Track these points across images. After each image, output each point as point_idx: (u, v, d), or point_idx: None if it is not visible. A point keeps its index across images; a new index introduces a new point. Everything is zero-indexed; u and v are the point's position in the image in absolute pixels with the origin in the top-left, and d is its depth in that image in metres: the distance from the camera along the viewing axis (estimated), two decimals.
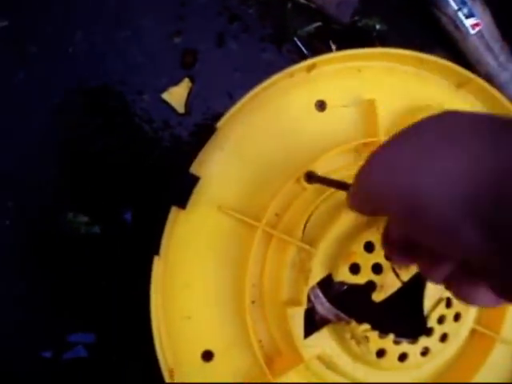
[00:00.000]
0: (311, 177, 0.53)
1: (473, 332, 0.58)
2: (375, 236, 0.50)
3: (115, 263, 0.65)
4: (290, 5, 0.67)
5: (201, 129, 0.65)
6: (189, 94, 0.65)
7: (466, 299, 0.31)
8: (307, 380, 0.54)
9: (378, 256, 0.50)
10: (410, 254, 0.35)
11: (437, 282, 0.33)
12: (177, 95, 0.65)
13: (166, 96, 0.65)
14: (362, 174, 0.30)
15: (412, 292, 0.52)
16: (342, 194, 0.52)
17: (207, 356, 0.53)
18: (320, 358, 0.53)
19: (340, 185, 0.45)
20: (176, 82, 0.65)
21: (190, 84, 0.65)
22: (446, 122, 0.26)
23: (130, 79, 0.65)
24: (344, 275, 0.50)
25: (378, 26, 0.70)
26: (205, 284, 0.53)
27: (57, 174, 0.63)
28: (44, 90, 0.63)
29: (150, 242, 0.51)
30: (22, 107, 0.63)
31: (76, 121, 0.64)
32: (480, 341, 0.59)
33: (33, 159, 0.63)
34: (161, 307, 0.52)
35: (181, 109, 0.65)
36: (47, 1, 0.63)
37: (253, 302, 0.54)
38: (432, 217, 0.25)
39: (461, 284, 0.31)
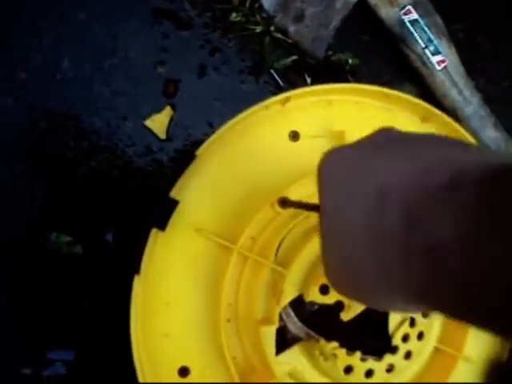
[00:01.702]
0: (285, 202, 0.56)
1: (436, 350, 0.62)
2: None
3: (96, 282, 0.67)
4: (267, 39, 0.71)
5: (181, 155, 0.68)
6: (170, 122, 0.69)
7: None
8: None
9: None
10: None
11: None
12: (159, 122, 0.68)
13: (148, 123, 0.68)
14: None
15: (377, 312, 0.56)
16: (313, 219, 0.56)
17: (184, 372, 0.56)
18: (291, 375, 0.56)
19: (312, 207, 0.48)
20: (158, 109, 0.69)
21: (171, 112, 0.68)
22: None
23: (115, 105, 0.68)
24: (314, 295, 0.53)
25: (350, 61, 0.74)
26: (183, 303, 0.56)
27: (41, 195, 0.65)
28: (32, 114, 0.66)
29: (130, 262, 0.54)
30: (11, 131, 0.65)
31: (62, 144, 0.67)
32: (443, 359, 0.62)
33: (18, 181, 0.65)
34: (140, 324, 0.54)
35: (162, 135, 0.68)
36: (36, 29, 0.66)
37: (228, 321, 0.56)
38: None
39: None
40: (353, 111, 0.62)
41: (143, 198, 0.67)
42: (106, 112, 0.68)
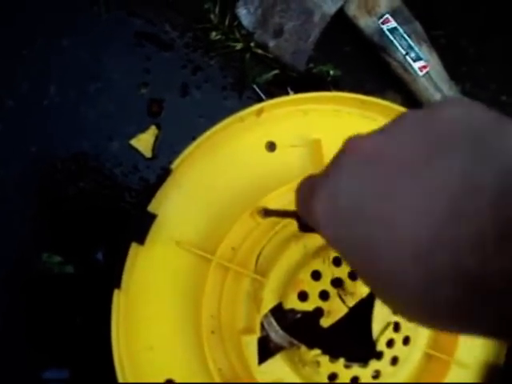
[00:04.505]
0: (265, 211, 0.57)
1: (428, 356, 0.61)
2: (321, 265, 0.53)
3: (88, 301, 0.68)
4: (248, 55, 0.73)
5: None
6: (156, 140, 0.70)
7: None
8: None
9: (325, 283, 0.53)
10: None
11: None
12: (144, 141, 0.70)
13: (134, 142, 0.70)
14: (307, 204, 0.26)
15: (360, 317, 0.55)
16: (291, 227, 0.56)
17: None
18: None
19: (291, 214, 0.48)
20: (143, 129, 0.70)
21: (156, 131, 0.70)
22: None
23: (101, 127, 0.70)
24: (293, 303, 0.53)
25: (332, 72, 0.75)
26: (165, 315, 0.57)
27: (31, 217, 0.67)
28: (21, 139, 0.68)
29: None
30: (1, 156, 0.68)
31: (51, 167, 0.68)
32: (435, 364, 0.61)
33: (10, 203, 0.67)
34: (123, 338, 0.55)
35: (148, 154, 0.70)
36: (22, 58, 0.69)
37: (212, 332, 0.57)
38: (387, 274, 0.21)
39: None
40: (329, 119, 0.62)
41: (131, 216, 0.68)
42: (92, 134, 0.70)
